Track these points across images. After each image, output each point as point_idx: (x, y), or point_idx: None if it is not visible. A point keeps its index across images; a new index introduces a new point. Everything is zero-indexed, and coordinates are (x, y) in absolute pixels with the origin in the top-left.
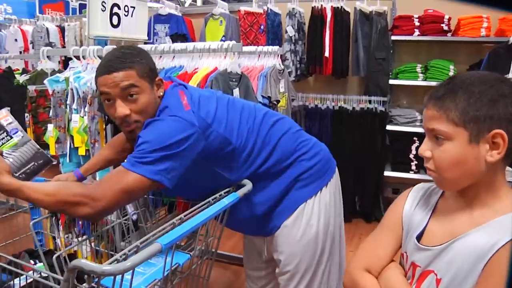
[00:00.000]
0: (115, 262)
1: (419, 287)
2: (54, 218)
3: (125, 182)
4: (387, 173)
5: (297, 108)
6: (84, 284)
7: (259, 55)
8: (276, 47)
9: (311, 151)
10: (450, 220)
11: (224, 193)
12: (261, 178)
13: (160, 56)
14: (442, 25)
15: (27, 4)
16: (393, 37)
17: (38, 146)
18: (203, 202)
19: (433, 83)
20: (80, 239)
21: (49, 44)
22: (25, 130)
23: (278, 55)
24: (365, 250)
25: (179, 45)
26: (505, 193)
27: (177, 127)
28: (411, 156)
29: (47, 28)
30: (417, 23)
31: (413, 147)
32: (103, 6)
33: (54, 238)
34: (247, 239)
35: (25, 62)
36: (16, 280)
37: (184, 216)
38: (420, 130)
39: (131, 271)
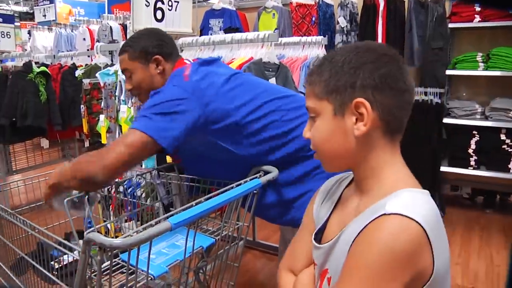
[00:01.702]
0: (128, 237)
1: (321, 287)
2: (87, 197)
3: (124, 137)
4: (444, 168)
5: None
6: (98, 257)
7: (303, 46)
8: (320, 37)
9: None
10: (344, 211)
11: (250, 179)
12: (284, 163)
13: (201, 49)
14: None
15: (98, 5)
16: (451, 25)
17: None
18: (225, 188)
19: (496, 73)
20: (129, 223)
21: (113, 41)
22: (81, 121)
23: (322, 45)
24: (288, 250)
25: (218, 37)
26: (388, 174)
27: (171, 91)
28: (470, 151)
29: (110, 27)
30: (478, 9)
31: (473, 142)
32: (147, 1)
33: (105, 221)
34: (281, 231)
35: (91, 59)
36: (65, 256)
37: (204, 199)
38: (481, 123)
39: (148, 248)
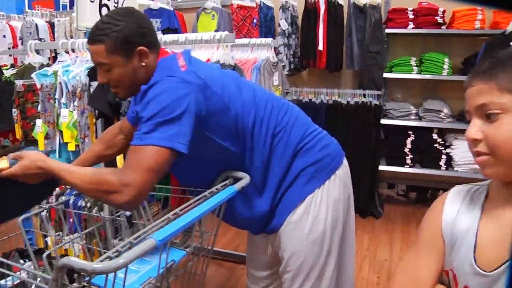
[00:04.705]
0: (107, 259)
1: None
2: (45, 215)
3: (146, 159)
4: (382, 167)
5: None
6: (74, 284)
7: (252, 48)
8: (269, 39)
9: (321, 142)
10: (503, 229)
11: (221, 186)
12: (263, 166)
13: None
14: (436, 17)
15: (16, 1)
16: (387, 30)
17: None
18: (198, 196)
19: (428, 76)
20: (71, 236)
21: (39, 40)
22: (13, 126)
23: (271, 48)
24: (406, 274)
25: (170, 37)
26: None
27: (172, 87)
28: (406, 150)
29: (36, 24)
30: (411, 16)
31: (408, 141)
32: None
33: (44, 236)
34: (250, 236)
35: (14, 59)
36: (3, 281)
37: (180, 210)
38: (415, 123)
39: (124, 269)
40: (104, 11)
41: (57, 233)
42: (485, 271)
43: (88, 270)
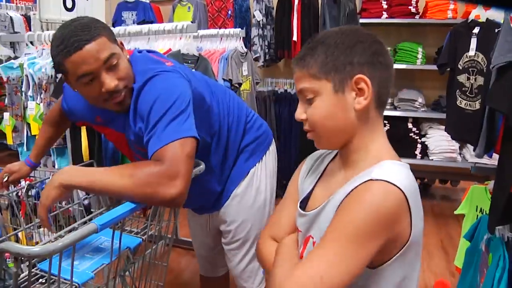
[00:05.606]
0: (49, 244)
1: (303, 253)
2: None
3: (178, 151)
4: None
5: (266, 93)
6: (11, 268)
7: (221, 38)
8: (238, 30)
9: (257, 122)
10: (330, 182)
11: None
12: (225, 148)
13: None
14: (409, 7)
15: None
16: (362, 20)
17: None
18: None
19: (402, 66)
20: (43, 229)
21: (14, 33)
22: None
23: (240, 38)
24: (272, 219)
25: (133, 28)
26: (375, 147)
27: (174, 81)
28: None
29: (11, 17)
30: (385, 6)
31: (384, 130)
32: None
33: (14, 229)
34: (190, 215)
35: None
36: None
37: None
38: (390, 113)
39: (72, 254)
40: (69, 3)
41: (28, 226)
42: (305, 212)
43: (24, 254)
